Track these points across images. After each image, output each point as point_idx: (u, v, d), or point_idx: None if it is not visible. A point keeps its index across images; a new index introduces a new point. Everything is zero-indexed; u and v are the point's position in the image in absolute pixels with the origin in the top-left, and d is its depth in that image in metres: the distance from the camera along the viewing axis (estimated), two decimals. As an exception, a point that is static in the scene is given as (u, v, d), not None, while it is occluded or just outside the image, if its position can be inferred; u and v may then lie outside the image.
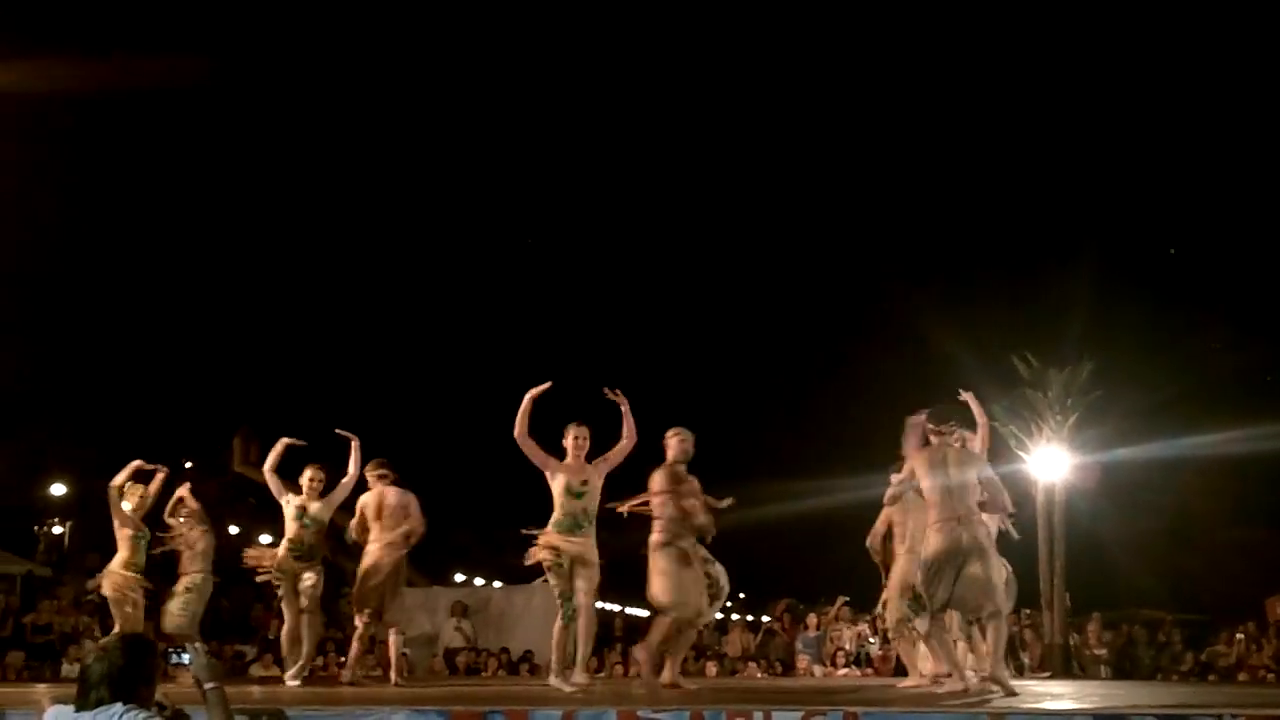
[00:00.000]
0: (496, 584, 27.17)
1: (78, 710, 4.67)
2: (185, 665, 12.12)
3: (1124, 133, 29.43)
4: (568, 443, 9.29)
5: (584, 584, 9.17)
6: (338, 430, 11.00)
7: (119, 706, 4.59)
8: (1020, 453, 22.17)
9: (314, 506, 10.98)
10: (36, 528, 30.80)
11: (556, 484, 9.26)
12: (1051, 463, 21.60)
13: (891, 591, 9.91)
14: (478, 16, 30.32)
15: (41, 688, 11.51)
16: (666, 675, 9.33)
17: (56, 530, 31.01)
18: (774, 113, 32.64)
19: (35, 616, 17.15)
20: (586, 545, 9.22)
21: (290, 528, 10.98)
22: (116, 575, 11.85)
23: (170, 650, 16.05)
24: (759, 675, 15.98)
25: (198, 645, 5.11)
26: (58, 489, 29.62)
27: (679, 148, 34.00)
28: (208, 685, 4.93)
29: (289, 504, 11.05)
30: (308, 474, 11.08)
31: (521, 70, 30.33)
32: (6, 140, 19.43)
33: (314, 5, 29.41)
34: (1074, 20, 29.80)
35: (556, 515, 9.24)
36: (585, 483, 9.23)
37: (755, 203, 33.56)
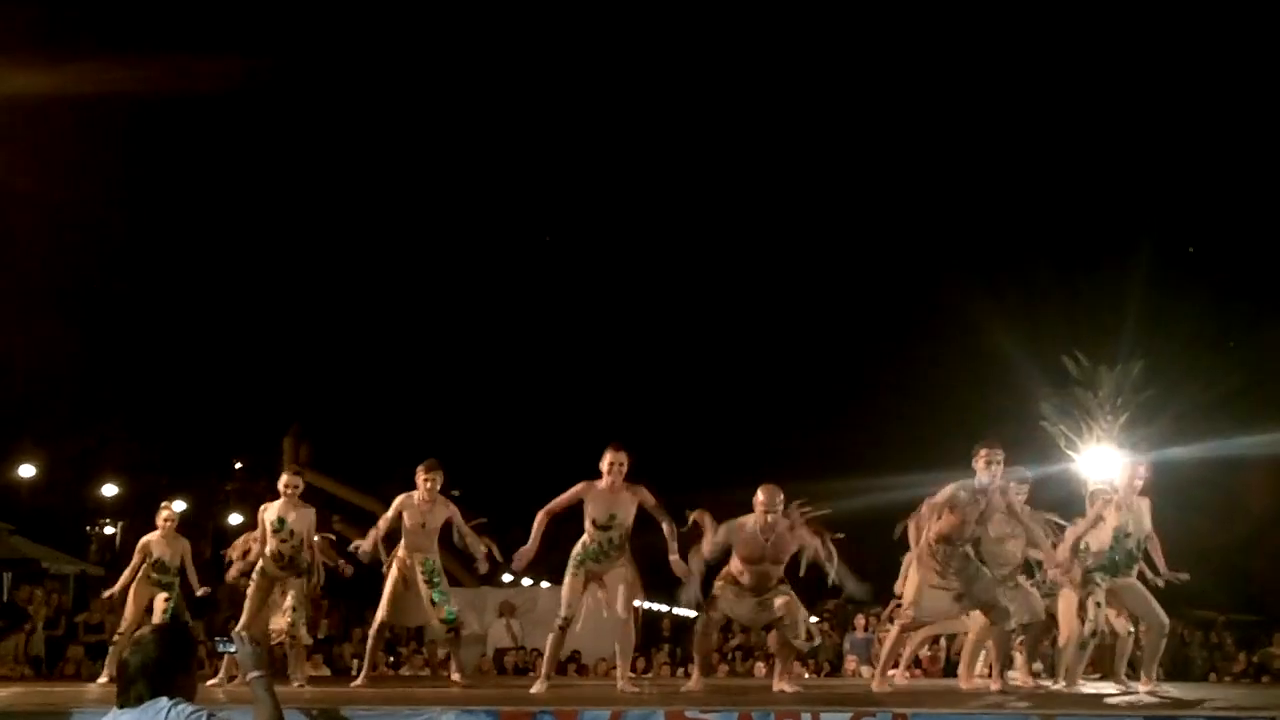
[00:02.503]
0: (544, 584, 27.18)
1: (120, 707, 4.44)
2: (231, 654, 11.99)
3: (1178, 129, 29.10)
4: (604, 466, 9.09)
5: (619, 599, 9.09)
6: None
7: (164, 701, 4.36)
8: (1070, 452, 22.03)
9: (293, 516, 10.51)
10: (89, 528, 31.06)
11: (586, 512, 9.14)
12: (1102, 462, 21.40)
13: None
14: (507, 18, 30.28)
15: (94, 686, 11.61)
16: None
17: (108, 530, 31.27)
18: (826, 106, 32.43)
19: (88, 616, 17.29)
20: (609, 570, 9.14)
21: (270, 541, 10.54)
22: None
23: (217, 640, 16.16)
24: (806, 676, 15.92)
25: (243, 635, 4.98)
26: (109, 489, 29.82)
27: (727, 135, 33.82)
28: (252, 674, 4.73)
29: (266, 511, 10.64)
30: (284, 478, 10.71)
31: (550, 63, 30.26)
32: (58, 142, 19.65)
33: (345, 7, 29.39)
34: (1126, 17, 29.46)
35: (584, 539, 9.17)
36: (613, 517, 9.04)
37: (804, 196, 33.30)
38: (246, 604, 10.74)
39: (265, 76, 24.63)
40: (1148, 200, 28.70)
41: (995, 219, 30.71)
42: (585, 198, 32.80)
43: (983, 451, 9.19)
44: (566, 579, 9.19)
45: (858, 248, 33.03)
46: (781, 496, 9.14)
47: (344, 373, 29.27)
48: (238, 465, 31.87)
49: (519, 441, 29.52)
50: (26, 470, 27.87)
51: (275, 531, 10.52)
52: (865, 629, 16.66)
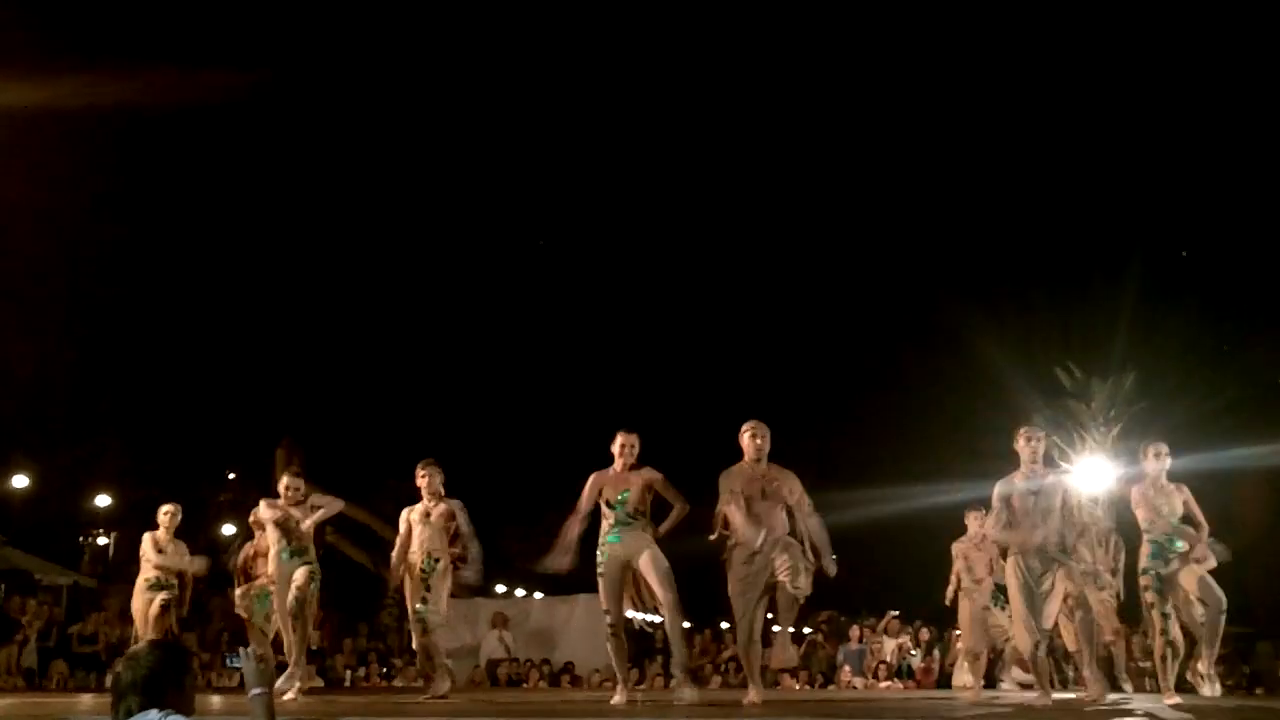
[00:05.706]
0: (538, 595, 27.15)
1: None
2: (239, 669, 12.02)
3: (1171, 142, 29.15)
4: (615, 449, 9.16)
5: (658, 587, 8.95)
6: None
7: (154, 713, 4.35)
8: (1063, 464, 22.02)
9: (293, 513, 10.70)
10: (81, 539, 31.00)
11: (601, 498, 9.15)
12: (1095, 474, 21.40)
13: None
14: (498, 20, 30.27)
15: (85, 698, 11.58)
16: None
17: (101, 541, 31.21)
18: (821, 119, 32.44)
19: (81, 627, 17.27)
20: (634, 544, 9.02)
21: (272, 536, 10.78)
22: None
23: (225, 654, 16.20)
24: (796, 687, 15.93)
25: (250, 650, 4.98)
26: (102, 500, 29.77)
27: (724, 151, 33.70)
28: (254, 691, 4.74)
29: (262, 512, 10.89)
30: (284, 480, 10.90)
31: (542, 65, 30.23)
32: (51, 154, 19.64)
33: (337, 19, 29.33)
34: (1121, 33, 29.56)
35: (603, 526, 9.15)
36: (626, 493, 9.04)
37: (799, 208, 33.28)
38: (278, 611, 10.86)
39: (259, 89, 24.61)
40: (1139, 211, 28.76)
41: (987, 230, 30.74)
42: (581, 209, 32.79)
43: (1021, 430, 9.20)
44: (600, 585, 9.10)
45: (851, 261, 33.05)
46: (766, 429, 9.21)
47: (336, 385, 29.22)
48: (230, 476, 31.79)
49: (511, 453, 29.46)
50: (19, 481, 27.83)
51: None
52: (859, 640, 16.67)
